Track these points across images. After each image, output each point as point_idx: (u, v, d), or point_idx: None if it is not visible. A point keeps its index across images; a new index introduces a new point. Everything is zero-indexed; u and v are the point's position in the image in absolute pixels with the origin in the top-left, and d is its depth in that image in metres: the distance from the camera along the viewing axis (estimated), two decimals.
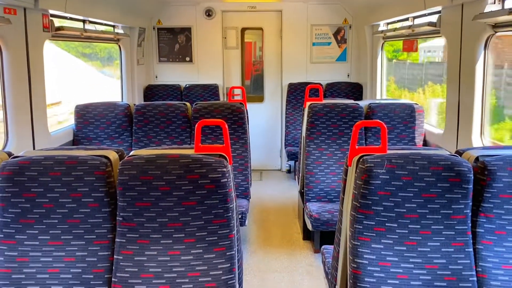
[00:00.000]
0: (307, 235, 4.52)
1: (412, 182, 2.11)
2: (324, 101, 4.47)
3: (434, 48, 5.68)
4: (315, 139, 4.31)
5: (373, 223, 2.15)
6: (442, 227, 2.13)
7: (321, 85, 5.22)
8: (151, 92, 6.70)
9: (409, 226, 2.15)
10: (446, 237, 2.13)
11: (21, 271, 2.14)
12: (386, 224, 2.15)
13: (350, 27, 6.82)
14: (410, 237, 2.15)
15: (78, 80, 6.57)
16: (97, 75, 6.95)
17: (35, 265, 2.15)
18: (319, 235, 4.21)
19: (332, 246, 2.98)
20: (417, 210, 2.13)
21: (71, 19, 4.32)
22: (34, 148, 3.55)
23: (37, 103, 3.61)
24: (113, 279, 2.13)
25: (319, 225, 3.92)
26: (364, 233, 2.16)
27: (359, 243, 2.16)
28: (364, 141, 4.35)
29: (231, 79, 7.05)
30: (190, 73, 6.97)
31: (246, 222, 4.14)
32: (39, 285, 2.13)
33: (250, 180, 4.57)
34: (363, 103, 4.48)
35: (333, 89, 6.65)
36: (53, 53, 5.09)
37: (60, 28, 3.90)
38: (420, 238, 2.15)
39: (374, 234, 2.16)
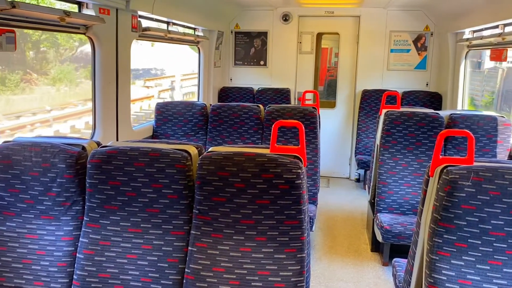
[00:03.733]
0: (376, 246, 4.37)
1: (501, 198, 1.97)
2: (402, 109, 4.31)
3: None
4: (390, 148, 4.16)
5: (454, 237, 2.03)
6: None
7: (397, 93, 5.06)
8: (225, 94, 6.87)
9: (494, 244, 2.00)
10: None
11: (102, 254, 2.27)
12: (469, 240, 2.02)
13: (432, 34, 6.53)
14: (495, 256, 2.01)
15: None
16: None
17: (116, 249, 2.27)
18: (389, 247, 4.06)
19: (404, 259, 2.86)
20: (505, 228, 1.98)
21: (156, 20, 4.55)
22: (117, 140, 3.78)
23: (123, 99, 3.84)
24: (186, 270, 2.20)
25: (390, 237, 3.78)
26: (444, 248, 2.05)
27: (437, 258, 2.05)
28: (442, 153, 4.14)
29: (303, 84, 7.03)
30: (263, 77, 7.05)
31: (314, 227, 4.09)
32: (118, 269, 2.25)
33: (319, 186, 4.52)
34: (444, 113, 4.27)
35: (410, 97, 6.41)
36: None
37: (146, 29, 4.12)
38: (507, 258, 1.99)
39: (455, 250, 2.04)
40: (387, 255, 4.06)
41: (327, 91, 7.24)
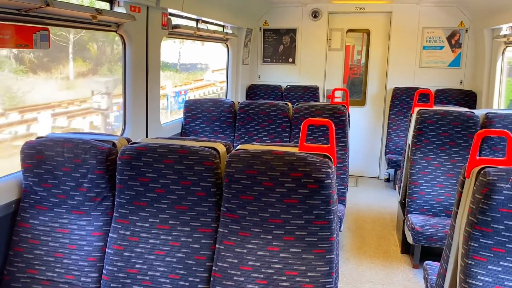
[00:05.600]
0: (406, 248, 4.27)
1: None
2: (435, 108, 4.19)
3: None
4: (422, 147, 4.05)
5: (491, 242, 1.95)
6: None
7: (430, 91, 4.92)
8: (253, 91, 6.85)
9: None
10: None
11: (131, 249, 2.29)
12: (507, 245, 1.93)
13: (467, 30, 6.32)
14: None
15: None
16: None
17: (144, 245, 2.29)
18: (420, 249, 3.95)
19: (435, 262, 2.77)
20: None
21: (186, 18, 4.57)
22: (147, 137, 3.81)
23: (152, 96, 3.87)
24: (213, 268, 2.19)
25: (421, 239, 3.68)
26: (480, 252, 1.96)
27: (473, 263, 1.97)
28: (478, 153, 3.99)
29: (332, 81, 6.94)
30: (292, 74, 7.00)
31: (342, 227, 4.03)
32: (146, 265, 2.27)
33: (347, 185, 4.45)
34: (479, 112, 4.12)
35: (443, 95, 6.22)
36: None
37: (176, 26, 4.14)
38: None
39: (492, 255, 1.95)
40: (418, 257, 3.96)
41: (351, 90, 7.07)
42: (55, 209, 2.43)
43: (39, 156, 2.40)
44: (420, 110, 4.12)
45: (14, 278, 2.37)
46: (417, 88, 5.84)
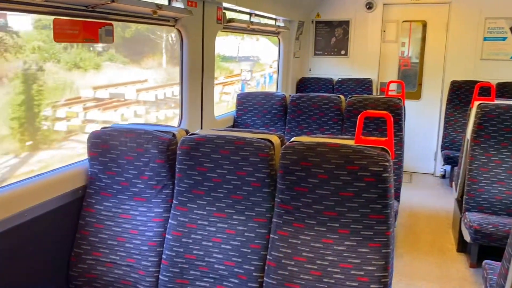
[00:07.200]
0: (463, 247, 4.12)
1: None
2: (497, 102, 4.00)
3: None
4: (482, 143, 3.88)
5: None
6: None
7: (491, 84, 4.69)
8: (303, 84, 6.82)
9: None
10: None
11: (189, 236, 2.38)
12: None
13: None
14: None
15: None
16: None
17: (202, 232, 2.37)
18: (477, 248, 3.81)
19: (496, 262, 2.68)
20: None
21: (239, 12, 4.62)
22: (201, 129, 3.92)
23: (207, 89, 3.96)
24: (268, 257, 2.23)
25: (479, 238, 3.54)
26: None
27: None
28: None
29: (384, 74, 6.77)
30: (344, 67, 6.89)
31: (396, 223, 3.96)
32: (203, 251, 2.34)
33: (402, 181, 4.35)
34: None
35: (505, 89, 5.91)
36: None
37: (230, 20, 4.20)
38: None
39: None
40: (475, 256, 3.82)
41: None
42: (118, 196, 2.56)
43: (104, 145, 2.53)
44: (480, 104, 3.95)
45: (81, 259, 2.53)
46: (477, 82, 5.58)
